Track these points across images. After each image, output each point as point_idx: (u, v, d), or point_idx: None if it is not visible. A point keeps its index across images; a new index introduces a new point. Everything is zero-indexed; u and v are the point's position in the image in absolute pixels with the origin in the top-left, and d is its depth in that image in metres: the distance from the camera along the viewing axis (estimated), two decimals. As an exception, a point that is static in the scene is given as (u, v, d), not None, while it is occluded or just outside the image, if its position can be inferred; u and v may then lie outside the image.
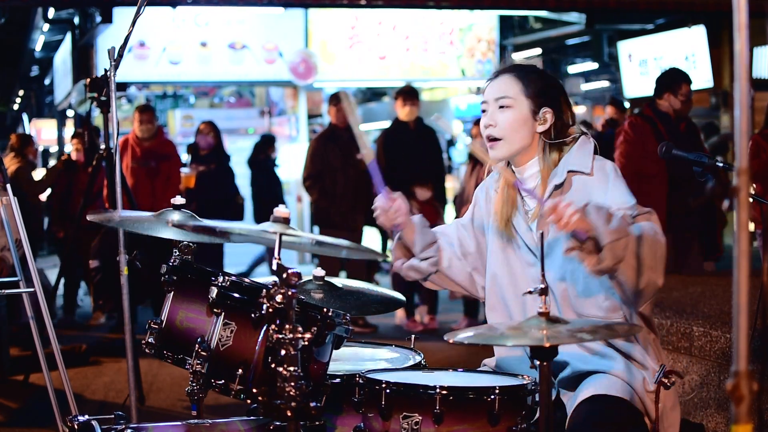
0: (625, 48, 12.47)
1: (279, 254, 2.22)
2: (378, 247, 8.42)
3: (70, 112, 15.18)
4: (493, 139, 2.60)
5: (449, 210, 9.12)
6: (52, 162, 17.92)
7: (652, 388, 2.45)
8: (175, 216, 2.50)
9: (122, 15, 10.14)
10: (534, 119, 2.58)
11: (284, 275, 2.11)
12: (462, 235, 2.76)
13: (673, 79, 5.97)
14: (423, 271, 2.72)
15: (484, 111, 2.63)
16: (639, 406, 2.45)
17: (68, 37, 13.58)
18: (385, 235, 8.24)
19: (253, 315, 2.30)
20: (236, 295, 2.38)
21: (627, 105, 12.49)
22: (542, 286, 2.14)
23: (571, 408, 2.43)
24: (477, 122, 7.66)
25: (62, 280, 7.15)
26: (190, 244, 2.53)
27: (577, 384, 2.50)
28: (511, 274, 2.62)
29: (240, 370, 2.32)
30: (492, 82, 2.65)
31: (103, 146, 5.05)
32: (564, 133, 2.60)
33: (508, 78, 2.61)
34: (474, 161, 7.42)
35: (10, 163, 8.67)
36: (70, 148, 8.89)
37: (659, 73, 6.24)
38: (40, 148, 18.46)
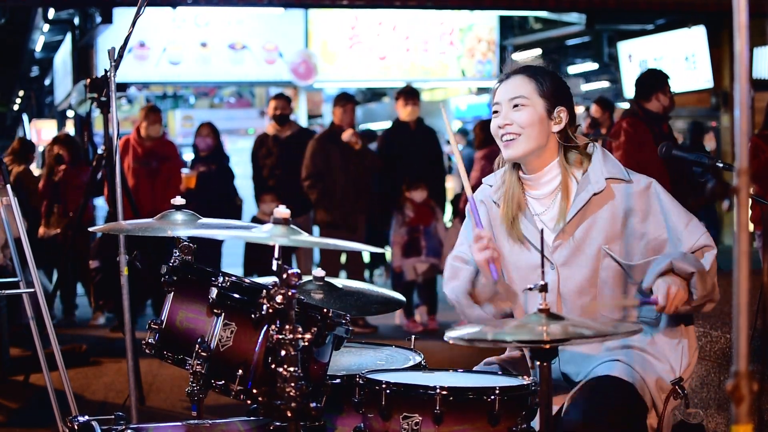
0: (625, 48, 12.47)
1: (279, 255, 2.22)
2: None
3: (70, 113, 15.16)
4: (510, 139, 2.55)
5: (448, 210, 9.10)
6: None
7: (667, 387, 2.47)
8: (179, 217, 2.52)
9: (122, 15, 10.14)
10: (549, 119, 2.55)
11: (284, 276, 2.11)
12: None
13: (659, 79, 6.05)
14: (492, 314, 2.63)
15: (496, 112, 2.59)
16: (647, 399, 2.45)
17: (68, 37, 13.58)
18: (377, 236, 8.20)
19: (253, 315, 2.30)
20: (236, 295, 2.38)
21: (625, 105, 12.47)
22: (542, 282, 2.14)
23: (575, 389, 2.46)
24: (479, 123, 7.66)
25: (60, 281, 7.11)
26: (191, 244, 2.53)
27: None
28: (525, 278, 2.56)
29: (240, 371, 2.32)
30: (504, 83, 2.61)
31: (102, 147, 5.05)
32: (575, 136, 2.58)
33: (520, 78, 2.58)
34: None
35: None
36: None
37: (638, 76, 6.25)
38: (40, 149, 18.41)
